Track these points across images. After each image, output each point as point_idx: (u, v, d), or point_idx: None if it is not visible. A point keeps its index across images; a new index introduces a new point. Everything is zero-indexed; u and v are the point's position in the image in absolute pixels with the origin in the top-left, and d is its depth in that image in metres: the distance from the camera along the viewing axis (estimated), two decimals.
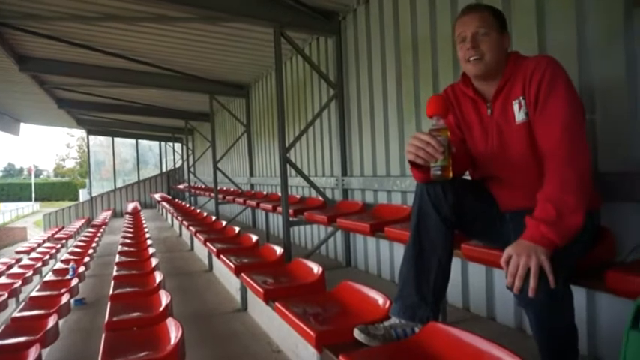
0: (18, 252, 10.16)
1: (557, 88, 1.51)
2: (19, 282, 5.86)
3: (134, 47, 5.77)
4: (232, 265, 3.13)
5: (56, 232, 12.41)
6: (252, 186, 7.88)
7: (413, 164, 1.63)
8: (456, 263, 2.71)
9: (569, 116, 1.48)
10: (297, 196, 5.35)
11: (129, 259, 4.44)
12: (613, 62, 1.93)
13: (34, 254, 8.91)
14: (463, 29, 1.65)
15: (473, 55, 1.62)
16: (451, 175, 1.54)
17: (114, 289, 3.12)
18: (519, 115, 1.62)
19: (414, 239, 1.69)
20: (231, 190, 8.66)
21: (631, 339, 0.84)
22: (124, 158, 18.98)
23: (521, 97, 1.60)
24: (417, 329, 1.60)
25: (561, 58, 1.59)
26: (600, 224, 1.74)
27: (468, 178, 1.96)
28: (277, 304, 2.11)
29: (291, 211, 4.17)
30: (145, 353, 1.98)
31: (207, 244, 4.16)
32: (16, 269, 7.29)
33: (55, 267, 6.09)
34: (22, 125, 13.43)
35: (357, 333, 1.59)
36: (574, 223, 1.35)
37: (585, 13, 2.05)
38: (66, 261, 6.10)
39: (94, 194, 16.90)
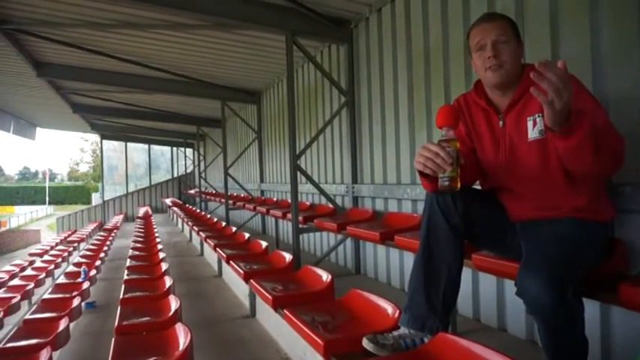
0: (31, 254, 10.30)
1: (584, 103, 1.47)
2: (32, 284, 5.94)
3: (148, 54, 5.85)
4: (242, 272, 3.14)
5: (69, 235, 12.56)
6: (262, 192, 7.90)
7: (422, 174, 1.63)
8: (466, 273, 2.69)
9: (603, 116, 1.47)
10: (307, 203, 5.36)
11: (139, 263, 4.47)
12: (627, 73, 1.91)
13: (46, 257, 9.02)
14: (482, 37, 1.63)
15: (494, 62, 1.60)
16: (459, 186, 1.53)
17: (124, 293, 3.14)
18: (533, 133, 1.60)
19: (423, 249, 1.69)
20: (242, 195, 8.70)
21: None
22: (137, 163, 19.15)
23: (537, 115, 1.58)
24: (426, 340, 1.59)
25: (575, 69, 1.58)
26: (613, 236, 1.72)
27: (479, 187, 1.95)
28: (286, 311, 2.11)
29: (301, 217, 4.17)
30: (153, 358, 1.99)
31: (217, 249, 4.18)
32: (29, 271, 7.40)
33: (67, 270, 6.16)
34: (38, 130, 13.67)
35: (365, 342, 1.58)
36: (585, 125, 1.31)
37: (599, 24, 2.03)
38: (78, 264, 6.16)
39: (106, 198, 17.08)
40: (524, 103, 1.63)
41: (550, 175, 1.58)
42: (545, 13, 2.29)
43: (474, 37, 1.68)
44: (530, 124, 1.61)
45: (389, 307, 1.91)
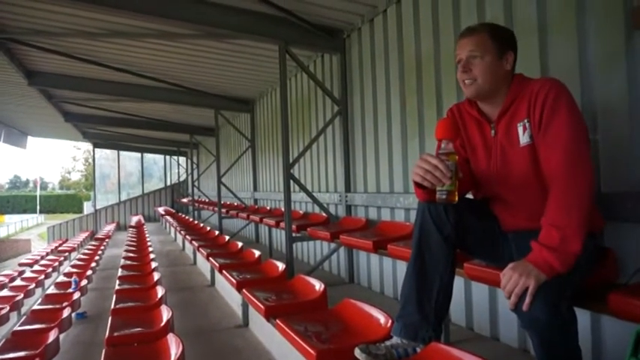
0: (21, 264, 10.17)
1: (560, 111, 1.51)
2: (21, 295, 5.85)
3: (140, 62, 5.85)
4: (234, 281, 3.12)
5: (60, 245, 12.43)
6: (255, 201, 7.89)
7: (417, 185, 1.63)
8: (459, 282, 2.70)
9: (572, 139, 1.48)
10: (301, 212, 5.36)
11: (131, 273, 4.44)
12: (615, 83, 1.94)
13: (36, 267, 8.92)
14: (459, 52, 1.69)
15: (465, 78, 1.66)
16: (457, 199, 1.54)
17: (115, 304, 3.11)
18: (523, 138, 1.62)
19: (415, 258, 1.69)
20: (235, 204, 8.67)
21: None
22: (129, 171, 19.05)
23: (525, 120, 1.60)
24: (418, 349, 1.59)
25: (563, 79, 1.60)
26: (603, 245, 1.73)
27: (471, 197, 1.96)
28: (278, 321, 2.10)
29: (294, 226, 4.17)
30: None
31: (210, 259, 4.16)
32: (18, 282, 7.30)
33: (58, 280, 6.09)
34: (29, 138, 13.57)
35: (357, 353, 1.58)
36: (574, 248, 1.36)
37: (587, 35, 2.06)
38: (68, 274, 6.10)
39: (98, 207, 16.95)
40: (513, 111, 1.64)
41: (541, 180, 1.59)
42: (534, 23, 2.32)
43: (455, 51, 1.73)
44: (520, 129, 1.62)
45: (381, 317, 1.91)
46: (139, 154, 17.96)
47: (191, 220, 9.74)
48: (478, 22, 2.60)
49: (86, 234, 14.56)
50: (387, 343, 1.64)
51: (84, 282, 5.47)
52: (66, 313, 3.83)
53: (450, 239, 1.67)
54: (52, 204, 49.23)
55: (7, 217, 39.84)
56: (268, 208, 6.92)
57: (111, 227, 14.15)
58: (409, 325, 1.64)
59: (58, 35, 4.86)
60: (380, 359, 1.55)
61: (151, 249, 5.97)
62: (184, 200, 14.83)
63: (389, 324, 1.80)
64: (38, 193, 49.63)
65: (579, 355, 1.45)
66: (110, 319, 2.72)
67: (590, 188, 1.46)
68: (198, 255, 5.79)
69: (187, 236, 6.30)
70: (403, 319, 1.66)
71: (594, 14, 2.03)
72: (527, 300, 1.33)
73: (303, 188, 4.43)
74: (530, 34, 2.34)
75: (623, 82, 1.90)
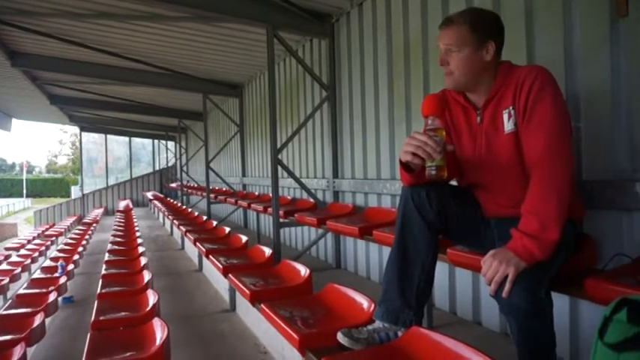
0: (7, 249, 10.08)
1: (544, 99, 1.52)
2: (7, 279, 5.81)
3: (128, 45, 5.75)
4: (221, 266, 3.13)
5: (46, 229, 12.33)
6: (244, 186, 7.87)
7: (404, 166, 1.64)
8: (443, 267, 2.74)
9: (555, 128, 1.49)
10: (289, 197, 5.36)
11: (118, 257, 4.42)
12: (599, 72, 1.95)
13: (23, 251, 8.84)
14: (438, 43, 1.70)
15: (444, 70, 1.68)
16: (446, 174, 1.54)
17: (102, 288, 3.11)
18: (508, 125, 1.62)
19: (398, 244, 1.71)
20: (224, 189, 8.65)
21: (598, 350, 0.85)
22: (117, 155, 18.85)
23: (511, 107, 1.61)
24: (400, 333, 1.61)
25: (549, 67, 1.60)
26: (583, 231, 1.76)
27: (454, 183, 1.97)
28: (263, 306, 2.11)
29: (281, 212, 4.18)
30: (129, 353, 1.97)
31: (197, 244, 4.16)
32: (4, 266, 7.24)
33: (44, 264, 6.04)
34: (14, 121, 13.33)
35: (340, 337, 1.60)
36: (553, 236, 1.38)
37: (572, 23, 2.07)
38: (55, 259, 6.05)
39: (86, 191, 16.79)
40: (499, 98, 1.65)
41: (524, 168, 1.60)
42: (520, 12, 2.32)
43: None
44: (505, 116, 1.63)
45: (364, 302, 1.93)
46: (127, 138, 17.77)
47: (179, 205, 9.70)
48: (465, 8, 2.60)
49: (73, 218, 14.43)
50: (369, 327, 1.67)
51: (71, 266, 5.43)
52: (52, 297, 3.81)
53: (432, 226, 1.68)
54: (39, 188, 48.61)
55: None
56: (257, 193, 6.92)
57: (99, 212, 14.04)
58: (391, 309, 1.66)
59: (42, 15, 4.74)
60: (362, 343, 1.58)
61: (138, 234, 5.94)
62: (173, 185, 14.76)
63: (372, 308, 1.82)
64: (24, 176, 48.89)
65: (554, 338, 1.49)
66: (96, 303, 2.72)
67: (570, 177, 1.48)
68: (186, 240, 5.78)
69: (175, 221, 6.29)
70: (385, 304, 1.69)
71: (580, 1, 2.03)
72: (507, 287, 1.35)
73: (290, 174, 4.43)
74: (517, 20, 2.34)
75: (607, 69, 1.92)
